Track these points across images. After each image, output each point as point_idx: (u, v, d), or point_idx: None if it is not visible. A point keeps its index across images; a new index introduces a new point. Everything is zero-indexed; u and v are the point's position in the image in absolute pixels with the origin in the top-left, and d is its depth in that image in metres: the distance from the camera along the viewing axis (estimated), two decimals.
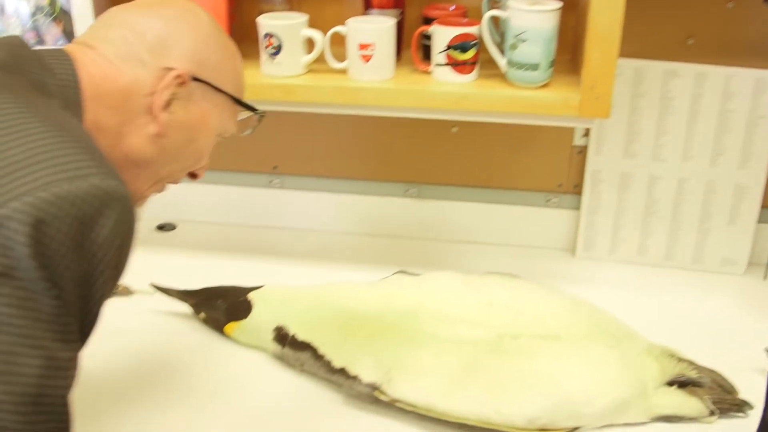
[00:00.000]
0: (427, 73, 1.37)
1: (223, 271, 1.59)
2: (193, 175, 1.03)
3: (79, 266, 0.72)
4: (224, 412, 1.21)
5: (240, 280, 1.47)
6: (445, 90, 1.30)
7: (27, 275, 0.69)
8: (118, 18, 0.92)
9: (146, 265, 1.56)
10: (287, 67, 1.36)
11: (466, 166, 1.67)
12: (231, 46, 0.98)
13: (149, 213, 1.81)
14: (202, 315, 1.38)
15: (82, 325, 0.76)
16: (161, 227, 1.79)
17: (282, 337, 1.28)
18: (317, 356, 1.23)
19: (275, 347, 1.30)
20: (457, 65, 1.31)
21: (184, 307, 1.45)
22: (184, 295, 1.40)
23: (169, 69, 0.90)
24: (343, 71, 1.37)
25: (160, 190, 1.00)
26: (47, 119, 0.74)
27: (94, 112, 0.86)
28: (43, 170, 0.70)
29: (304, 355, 1.25)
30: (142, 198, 0.98)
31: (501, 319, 1.26)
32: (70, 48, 0.89)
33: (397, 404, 1.15)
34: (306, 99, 1.35)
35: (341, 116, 1.64)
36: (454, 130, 1.64)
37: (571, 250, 1.68)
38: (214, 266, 1.62)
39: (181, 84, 0.90)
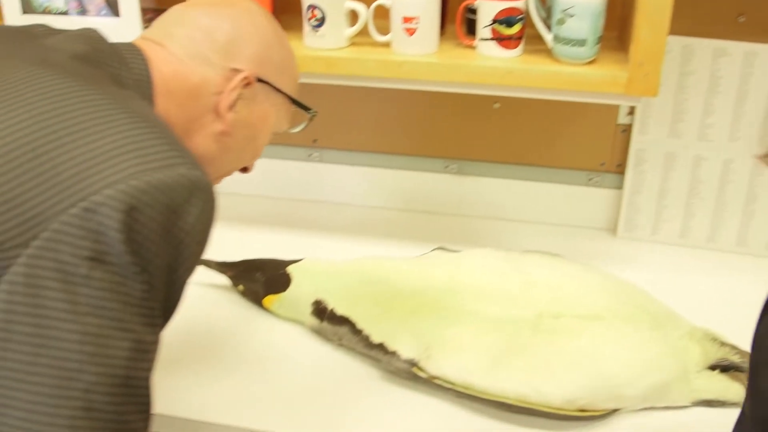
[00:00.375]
0: (472, 47, 1.35)
1: (262, 244, 1.60)
2: (245, 169, 1.06)
3: (166, 252, 0.74)
4: (261, 385, 1.21)
5: (279, 253, 1.48)
6: (489, 65, 1.28)
7: (119, 260, 0.71)
8: (184, 16, 0.94)
9: None
10: (330, 39, 1.35)
11: (508, 142, 1.66)
12: (289, 46, 1.01)
13: None
14: (241, 287, 1.39)
15: (165, 309, 0.78)
16: None
17: (320, 311, 1.28)
18: (355, 331, 1.23)
19: (313, 321, 1.30)
20: (502, 40, 1.29)
21: (223, 279, 1.45)
22: (223, 267, 1.40)
23: (237, 70, 0.93)
24: (387, 44, 1.36)
25: (216, 183, 1.01)
26: (133, 111, 0.76)
27: (164, 109, 0.89)
28: (133, 159, 0.72)
29: (343, 330, 1.25)
30: None
31: (541, 298, 1.25)
32: (139, 44, 0.92)
33: (436, 381, 1.15)
34: (348, 72, 1.33)
35: (382, 90, 1.63)
36: (496, 105, 1.62)
37: (613, 230, 1.66)
38: (253, 239, 1.62)
39: (247, 85, 0.94)
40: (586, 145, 1.62)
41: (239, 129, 0.96)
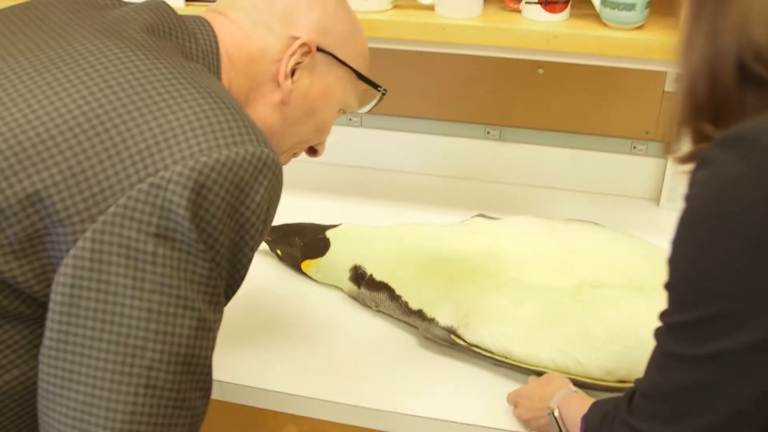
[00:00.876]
0: (517, 11, 1.32)
1: (300, 209, 1.59)
2: (313, 151, 1.04)
3: (232, 230, 0.73)
4: (298, 350, 1.21)
5: (318, 218, 1.47)
6: (534, 29, 1.25)
7: (185, 238, 0.70)
8: None
9: None
10: (373, 1, 1.33)
11: (550, 109, 1.63)
12: (356, 20, 0.99)
13: None
14: (279, 251, 1.39)
15: (228, 287, 0.78)
16: None
17: (359, 276, 1.28)
18: (394, 297, 1.22)
19: (351, 286, 1.29)
20: (548, 3, 1.26)
21: (261, 244, 1.45)
22: None
23: (296, 38, 0.90)
24: (430, 7, 1.33)
25: (284, 163, 1.00)
26: (201, 85, 0.76)
27: (228, 79, 0.89)
28: (202, 135, 0.71)
29: (381, 296, 1.24)
30: None
31: (582, 267, 1.23)
32: (205, 15, 0.92)
33: (474, 349, 1.14)
34: (391, 35, 1.31)
35: (424, 54, 1.61)
36: (540, 71, 1.59)
37: (656, 199, 1.63)
38: (292, 204, 1.62)
39: (307, 53, 0.91)
40: (630, 112, 1.59)
41: (298, 99, 0.93)
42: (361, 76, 0.99)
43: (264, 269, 1.40)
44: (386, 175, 1.75)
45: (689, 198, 0.67)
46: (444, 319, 1.17)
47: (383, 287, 1.24)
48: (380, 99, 1.05)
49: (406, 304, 1.21)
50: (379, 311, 1.28)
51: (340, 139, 1.76)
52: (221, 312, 0.77)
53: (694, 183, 0.66)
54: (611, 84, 1.57)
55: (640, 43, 1.22)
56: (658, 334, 0.72)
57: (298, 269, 1.37)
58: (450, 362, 1.18)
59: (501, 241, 1.30)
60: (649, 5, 1.23)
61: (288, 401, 1.14)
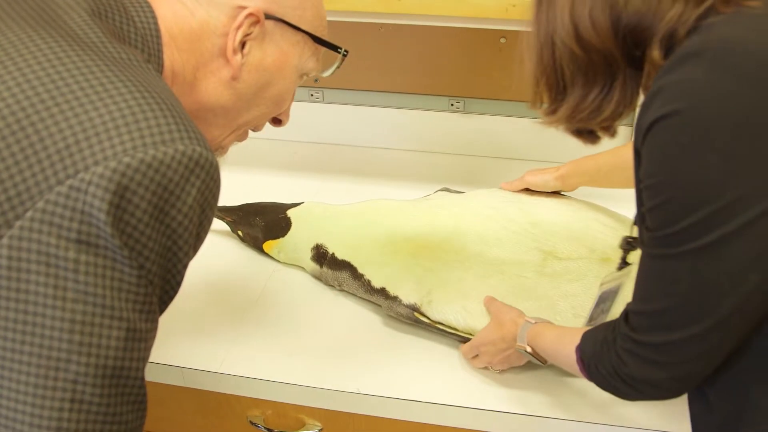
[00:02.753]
0: None
1: (261, 188, 1.57)
2: (276, 121, 0.99)
3: (162, 235, 0.69)
4: (260, 331, 1.19)
5: (279, 197, 1.44)
6: None
7: (109, 244, 0.66)
8: None
9: None
10: None
11: (515, 79, 1.61)
12: None
13: None
14: (240, 232, 1.36)
15: (162, 294, 0.73)
16: None
17: (321, 255, 1.25)
18: (356, 275, 1.20)
19: (313, 266, 1.27)
20: None
21: (222, 225, 1.42)
22: (222, 212, 1.37)
23: (242, 8, 0.84)
24: None
25: (242, 138, 0.97)
26: (131, 79, 0.71)
27: (171, 59, 0.83)
28: (127, 134, 0.66)
29: (343, 275, 1.22)
30: (221, 148, 0.95)
31: (547, 240, 1.22)
32: None
33: (438, 326, 1.12)
34: (348, 8, 1.29)
35: (384, 26, 1.58)
36: (503, 40, 1.57)
37: None
38: (252, 182, 1.60)
39: (255, 23, 0.85)
40: None
41: (251, 73, 0.88)
42: (318, 40, 0.93)
43: (225, 251, 1.38)
44: (349, 150, 1.72)
45: (666, 117, 0.69)
46: (407, 296, 1.15)
47: (345, 266, 1.22)
48: (342, 61, 0.99)
49: (368, 282, 1.19)
50: (342, 290, 1.26)
51: (302, 115, 1.73)
52: (154, 321, 0.72)
53: (666, 102, 0.69)
54: None
55: None
56: (645, 248, 0.76)
57: (261, 250, 1.35)
58: (415, 341, 1.17)
59: (464, 215, 1.28)
60: None
61: (251, 385, 1.12)
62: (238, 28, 0.84)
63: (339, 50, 0.97)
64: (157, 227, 0.68)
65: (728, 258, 0.69)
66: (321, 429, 1.14)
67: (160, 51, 0.82)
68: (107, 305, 0.67)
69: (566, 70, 0.82)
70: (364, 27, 1.60)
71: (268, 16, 0.87)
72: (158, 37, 0.82)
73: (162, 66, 0.82)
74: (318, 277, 1.28)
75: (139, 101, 0.69)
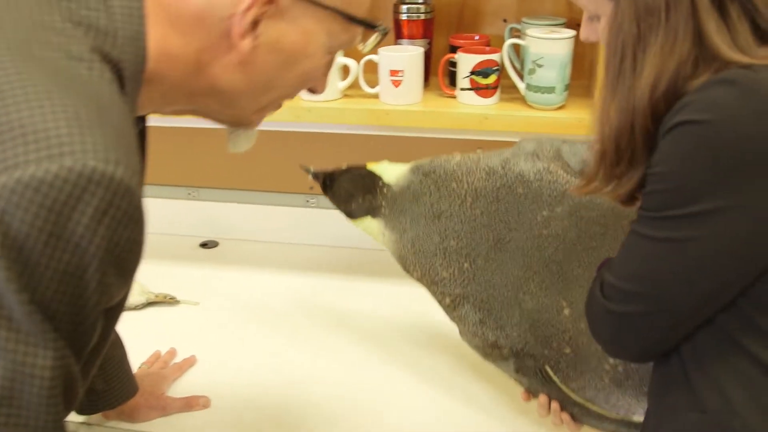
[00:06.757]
0: (453, 97, 1.47)
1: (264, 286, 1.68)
2: (312, 90, 0.89)
3: (58, 262, 0.60)
4: None
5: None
6: (468, 112, 1.41)
7: None
8: None
9: (191, 279, 1.68)
10: (326, 92, 1.46)
11: None
12: None
13: (193, 231, 1.91)
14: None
15: (74, 330, 0.64)
16: (204, 245, 1.88)
17: None
18: None
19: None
20: (479, 89, 1.42)
21: (230, 321, 1.54)
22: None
23: None
24: (375, 96, 1.48)
25: (275, 109, 0.88)
26: (43, 82, 0.62)
27: (162, 40, 0.74)
28: (12, 149, 0.58)
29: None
30: (250, 123, 0.88)
31: None
32: None
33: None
34: (341, 121, 1.46)
35: (372, 137, 1.72)
36: (479, 151, 1.72)
37: None
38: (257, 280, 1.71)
39: (269, 2, 0.75)
40: None
41: (266, 55, 0.78)
42: (349, 17, 0.81)
43: (230, 347, 1.48)
44: (342, 251, 1.84)
45: (691, 122, 0.75)
46: None
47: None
48: (383, 36, 0.88)
49: None
50: None
51: (297, 220, 1.85)
52: (60, 358, 0.63)
53: (694, 111, 0.75)
54: None
55: (562, 121, 1.38)
56: (635, 225, 0.83)
57: None
58: None
59: None
60: (567, 88, 1.39)
61: None
62: (248, 9, 0.74)
63: (376, 27, 0.86)
64: (49, 253, 0.60)
65: (693, 255, 0.77)
66: None
67: (141, 33, 0.73)
68: None
69: (638, 147, 0.82)
70: (355, 138, 1.73)
71: None
72: (140, 17, 0.73)
73: (144, 48, 0.73)
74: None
75: (34, 109, 0.60)
